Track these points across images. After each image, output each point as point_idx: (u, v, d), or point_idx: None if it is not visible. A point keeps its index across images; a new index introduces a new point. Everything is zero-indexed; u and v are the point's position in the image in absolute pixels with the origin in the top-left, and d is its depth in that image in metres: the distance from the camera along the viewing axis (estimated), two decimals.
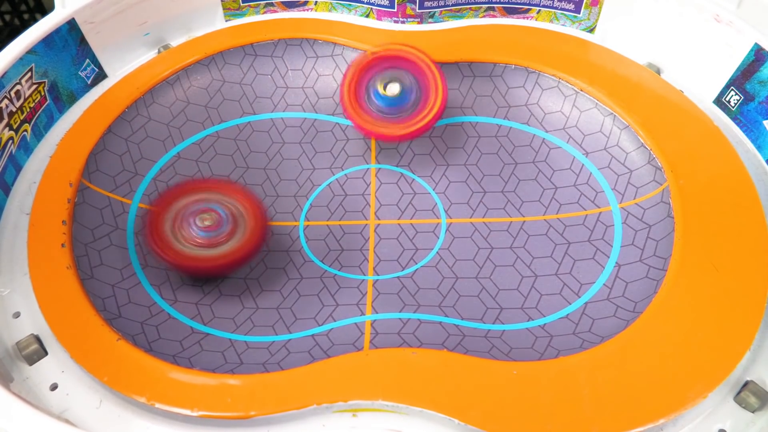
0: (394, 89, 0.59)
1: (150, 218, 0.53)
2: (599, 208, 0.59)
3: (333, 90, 0.70)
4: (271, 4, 0.76)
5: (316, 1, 0.75)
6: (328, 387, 0.44)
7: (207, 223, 0.52)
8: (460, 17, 0.74)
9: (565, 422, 0.41)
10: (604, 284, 0.54)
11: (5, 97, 0.56)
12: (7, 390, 0.39)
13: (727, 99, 0.61)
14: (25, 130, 0.60)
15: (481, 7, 0.73)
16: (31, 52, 0.59)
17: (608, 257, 0.55)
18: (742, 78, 0.60)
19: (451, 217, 0.61)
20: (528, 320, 0.53)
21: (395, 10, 0.72)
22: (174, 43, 0.73)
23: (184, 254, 0.52)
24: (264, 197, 0.63)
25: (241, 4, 0.75)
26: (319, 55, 0.71)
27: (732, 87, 0.61)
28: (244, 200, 0.55)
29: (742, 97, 0.60)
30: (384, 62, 0.61)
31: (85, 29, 0.65)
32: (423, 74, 0.61)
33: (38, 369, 0.46)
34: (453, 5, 0.73)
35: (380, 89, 0.60)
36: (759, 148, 0.58)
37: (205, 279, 0.56)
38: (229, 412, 0.42)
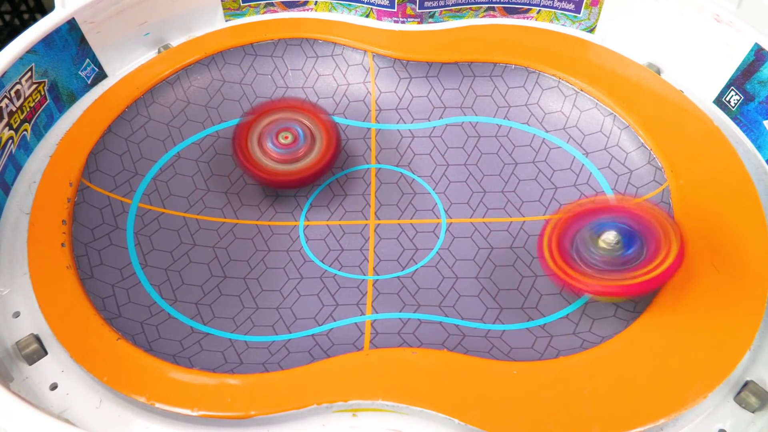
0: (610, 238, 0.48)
1: (237, 136, 0.60)
2: None
3: (333, 90, 0.70)
4: (271, 4, 0.76)
5: (316, 1, 0.75)
6: (328, 387, 0.44)
7: (287, 141, 0.60)
8: (460, 17, 0.74)
9: (565, 422, 0.41)
10: None
11: (5, 96, 0.56)
12: (7, 390, 0.39)
13: (727, 99, 0.61)
14: (25, 130, 0.60)
15: (481, 7, 0.73)
16: (31, 51, 0.59)
17: None
18: (742, 78, 0.60)
19: (451, 217, 0.61)
20: (528, 320, 0.53)
21: (395, 10, 0.72)
22: (174, 43, 0.73)
23: (269, 170, 0.59)
24: (263, 197, 0.63)
25: (241, 4, 0.75)
26: (319, 55, 0.71)
27: (732, 87, 0.61)
28: (317, 119, 0.62)
29: (742, 97, 0.60)
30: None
31: (85, 29, 0.65)
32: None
33: (38, 369, 0.46)
34: (453, 5, 0.73)
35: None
36: (759, 148, 0.58)
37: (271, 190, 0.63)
38: (229, 411, 0.42)
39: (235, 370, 0.48)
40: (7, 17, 1.22)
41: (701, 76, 0.63)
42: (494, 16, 0.74)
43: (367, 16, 0.74)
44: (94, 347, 0.46)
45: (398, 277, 0.57)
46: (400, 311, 0.54)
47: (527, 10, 0.73)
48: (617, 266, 0.47)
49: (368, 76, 0.70)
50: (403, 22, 0.73)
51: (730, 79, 0.61)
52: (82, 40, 0.65)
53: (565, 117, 0.64)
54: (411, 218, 0.61)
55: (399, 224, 0.61)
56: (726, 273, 0.48)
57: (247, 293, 0.56)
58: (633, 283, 0.45)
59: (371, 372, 0.45)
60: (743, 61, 0.59)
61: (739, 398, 0.43)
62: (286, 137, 0.60)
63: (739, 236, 0.50)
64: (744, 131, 0.60)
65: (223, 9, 0.75)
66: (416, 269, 0.57)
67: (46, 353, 0.47)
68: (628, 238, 0.47)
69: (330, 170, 0.63)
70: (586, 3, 0.70)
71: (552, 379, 0.44)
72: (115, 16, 0.67)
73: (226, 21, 0.75)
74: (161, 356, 0.46)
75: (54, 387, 0.45)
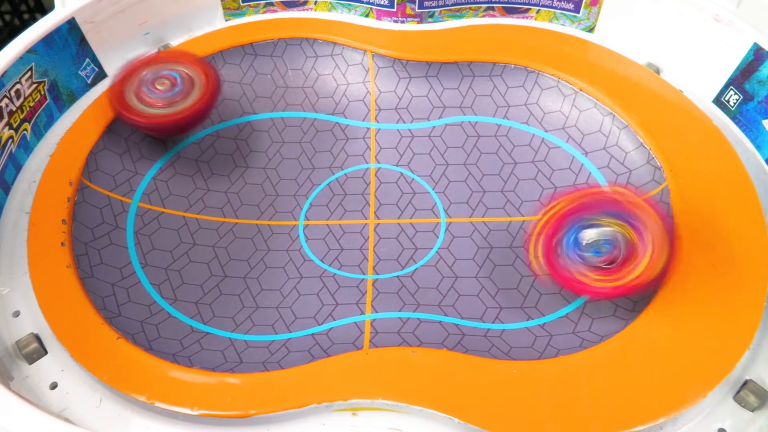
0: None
1: (113, 89, 0.60)
2: None
3: (333, 90, 0.70)
4: (271, 4, 0.76)
5: (316, 1, 0.75)
6: (328, 386, 0.44)
7: (163, 87, 0.59)
8: (460, 17, 0.74)
9: (565, 421, 0.41)
10: None
11: (5, 96, 0.56)
12: (6, 389, 0.39)
13: (727, 98, 0.62)
14: (25, 129, 0.60)
15: (480, 6, 0.73)
16: (31, 51, 0.59)
17: None
18: (741, 78, 0.60)
19: (450, 217, 0.61)
20: (527, 319, 0.53)
21: (395, 9, 0.72)
22: (174, 43, 0.73)
23: (146, 114, 0.58)
24: (264, 196, 0.63)
25: (241, 4, 0.75)
26: (319, 54, 0.71)
27: (731, 87, 0.61)
28: (197, 66, 0.62)
29: (742, 97, 0.60)
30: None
31: (85, 29, 0.65)
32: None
33: (38, 368, 0.46)
34: (453, 5, 0.73)
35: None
36: (758, 147, 0.58)
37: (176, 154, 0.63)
38: (229, 411, 0.42)
39: (235, 370, 0.48)
40: (7, 17, 1.22)
41: (700, 76, 0.63)
42: (494, 16, 0.74)
43: (367, 15, 0.74)
44: (94, 346, 0.46)
45: (398, 276, 0.57)
46: (400, 310, 0.54)
47: (527, 10, 0.73)
48: (608, 265, 0.46)
49: (368, 75, 0.70)
50: (402, 22, 0.73)
51: (729, 79, 0.61)
52: (82, 40, 0.65)
53: (564, 116, 0.64)
54: (410, 218, 0.61)
55: (398, 224, 0.61)
56: (725, 272, 0.48)
57: (246, 292, 0.56)
58: (624, 284, 0.45)
59: (371, 371, 0.45)
60: (742, 60, 0.59)
61: (738, 397, 0.43)
62: (164, 83, 0.59)
63: (738, 236, 0.50)
64: (743, 131, 0.60)
65: (223, 9, 0.75)
66: (416, 268, 0.57)
67: (46, 352, 0.47)
68: (618, 236, 0.46)
69: (209, 114, 0.63)
70: (586, 3, 0.70)
71: (552, 379, 0.44)
72: (115, 15, 0.67)
73: (226, 21, 0.75)
74: (161, 355, 0.46)
75: (54, 386, 0.45)
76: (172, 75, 0.60)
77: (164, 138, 0.63)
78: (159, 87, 0.59)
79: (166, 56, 0.63)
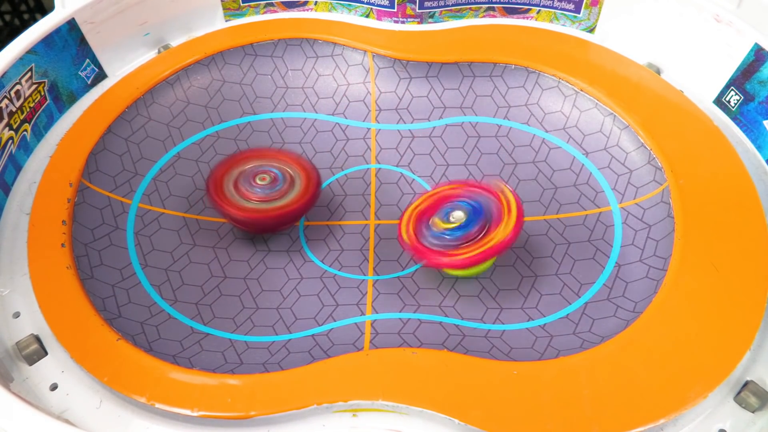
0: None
1: (212, 179, 0.57)
2: (599, 208, 0.59)
3: (333, 90, 0.70)
4: (271, 4, 0.76)
5: (316, 1, 0.75)
6: (328, 387, 0.44)
7: (264, 182, 0.57)
8: (460, 17, 0.74)
9: (565, 422, 0.41)
10: (604, 284, 0.54)
11: (5, 96, 0.56)
12: (7, 390, 0.39)
13: (727, 99, 0.61)
14: (25, 130, 0.60)
15: (481, 7, 0.73)
16: (31, 52, 0.59)
17: (608, 257, 0.55)
18: (742, 78, 0.60)
19: None
20: (528, 320, 0.53)
21: (395, 10, 0.72)
22: (174, 43, 0.73)
23: (244, 207, 0.56)
24: None
25: (241, 4, 0.75)
26: (319, 55, 0.71)
27: (732, 87, 0.61)
28: (297, 165, 0.59)
29: (742, 97, 0.60)
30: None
31: (85, 29, 0.65)
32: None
33: (38, 369, 0.46)
34: (453, 5, 0.73)
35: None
36: (759, 148, 0.58)
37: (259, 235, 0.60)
38: (230, 412, 0.42)
39: (235, 371, 0.48)
40: (7, 17, 1.22)
41: (701, 76, 0.63)
42: (494, 16, 0.74)
43: (367, 16, 0.74)
44: (94, 347, 0.46)
45: (398, 277, 0.57)
46: (400, 311, 0.54)
47: (527, 10, 0.73)
48: (465, 241, 0.51)
49: (368, 76, 0.70)
50: (403, 22, 0.73)
51: (730, 79, 0.61)
52: (82, 40, 0.65)
53: (565, 117, 0.64)
54: None
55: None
56: (726, 273, 0.48)
57: (247, 293, 0.56)
58: (475, 253, 0.50)
59: (371, 372, 0.45)
60: (743, 61, 0.59)
61: (739, 398, 0.43)
62: (264, 179, 0.57)
63: (739, 236, 0.50)
64: (744, 131, 0.60)
65: (223, 9, 0.75)
66: (416, 269, 0.57)
67: (46, 353, 0.46)
68: (471, 217, 0.51)
69: (307, 210, 0.59)
70: (586, 3, 0.70)
71: (552, 379, 0.43)
72: (115, 16, 0.67)
73: (226, 21, 0.75)
74: (161, 356, 0.46)
75: (54, 387, 0.45)
76: (273, 171, 0.58)
77: (256, 234, 0.60)
78: (259, 182, 0.57)
79: (267, 153, 0.61)
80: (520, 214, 0.51)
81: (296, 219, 0.59)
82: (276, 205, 0.56)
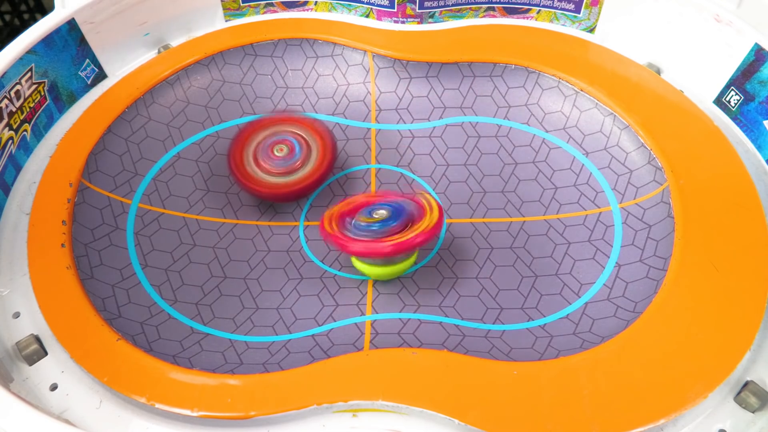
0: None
1: (231, 155, 0.60)
2: (599, 208, 0.59)
3: (333, 90, 0.70)
4: (271, 4, 0.76)
5: (316, 1, 0.75)
6: (328, 387, 0.44)
7: (281, 153, 0.59)
8: (460, 17, 0.74)
9: (566, 422, 0.41)
10: (604, 284, 0.54)
11: (5, 97, 0.56)
12: (7, 390, 0.39)
13: (728, 99, 0.61)
14: (25, 130, 0.60)
15: (481, 7, 0.73)
16: (31, 52, 0.59)
17: (608, 257, 0.55)
18: (742, 78, 0.60)
19: (451, 217, 0.61)
20: (528, 320, 0.53)
21: (395, 10, 0.72)
22: (174, 43, 0.73)
23: (266, 183, 0.59)
24: None
25: (241, 4, 0.75)
26: (319, 55, 0.71)
27: (732, 87, 0.61)
28: (312, 130, 0.62)
29: (742, 97, 0.60)
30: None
31: (85, 29, 0.65)
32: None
33: (38, 369, 0.46)
34: (453, 5, 0.73)
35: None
36: (759, 148, 0.58)
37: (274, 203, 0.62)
38: (229, 412, 0.42)
39: (235, 371, 0.48)
40: (7, 17, 1.22)
41: (701, 76, 0.63)
42: (494, 16, 0.74)
43: (367, 16, 0.74)
44: (94, 348, 0.46)
45: (398, 277, 0.57)
46: (400, 311, 0.54)
47: (527, 10, 0.73)
48: (387, 235, 0.52)
49: (368, 76, 0.70)
50: (403, 22, 0.73)
51: (730, 79, 0.61)
52: (82, 41, 0.65)
53: (565, 117, 0.64)
54: None
55: None
56: (726, 273, 0.48)
57: (247, 293, 0.56)
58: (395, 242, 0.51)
59: (371, 372, 0.45)
60: (743, 61, 0.59)
61: (739, 398, 0.43)
62: (281, 149, 0.60)
63: (739, 236, 0.50)
64: (744, 131, 0.60)
65: (223, 9, 0.75)
66: (416, 269, 0.57)
67: (46, 354, 0.47)
68: (394, 215, 0.53)
69: (327, 178, 0.63)
70: (586, 3, 0.70)
71: (552, 380, 0.43)
72: (115, 16, 0.67)
73: (226, 21, 0.75)
74: (161, 357, 0.46)
75: (54, 387, 0.45)
76: (289, 140, 0.60)
77: (280, 203, 0.63)
78: (277, 153, 0.59)
79: (278, 119, 0.63)
80: (441, 213, 0.53)
81: (321, 183, 0.62)
82: (299, 177, 0.59)
